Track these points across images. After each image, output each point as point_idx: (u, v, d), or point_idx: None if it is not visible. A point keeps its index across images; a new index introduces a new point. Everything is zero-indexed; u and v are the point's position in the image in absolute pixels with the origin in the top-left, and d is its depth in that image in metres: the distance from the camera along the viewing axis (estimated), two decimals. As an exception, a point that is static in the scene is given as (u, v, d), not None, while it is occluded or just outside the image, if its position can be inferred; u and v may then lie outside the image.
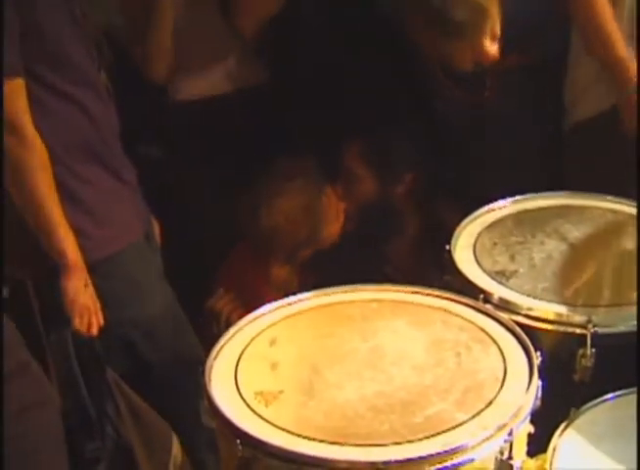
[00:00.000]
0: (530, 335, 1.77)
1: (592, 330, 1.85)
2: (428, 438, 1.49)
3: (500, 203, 2.37)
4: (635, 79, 2.45)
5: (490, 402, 1.58)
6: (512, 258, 2.14)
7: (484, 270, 2.08)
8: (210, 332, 2.72)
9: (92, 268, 2.23)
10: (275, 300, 1.94)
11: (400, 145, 2.93)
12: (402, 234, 3.00)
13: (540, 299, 1.96)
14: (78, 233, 2.19)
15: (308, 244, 2.81)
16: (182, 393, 2.42)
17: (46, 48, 2.14)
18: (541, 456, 1.69)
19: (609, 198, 2.36)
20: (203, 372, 1.68)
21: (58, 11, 2.16)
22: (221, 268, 2.93)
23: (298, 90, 2.97)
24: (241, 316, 2.60)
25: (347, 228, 2.92)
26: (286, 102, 2.98)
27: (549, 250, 2.16)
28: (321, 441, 1.50)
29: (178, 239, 2.81)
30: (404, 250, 3.01)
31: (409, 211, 3.03)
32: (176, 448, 2.31)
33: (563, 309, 1.92)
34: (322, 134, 2.93)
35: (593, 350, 1.85)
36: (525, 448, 1.63)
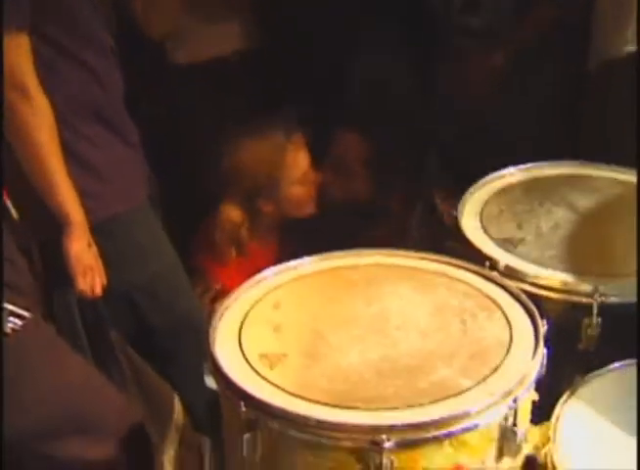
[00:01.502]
0: (536, 303, 1.76)
1: (598, 299, 1.84)
2: (433, 403, 1.49)
3: (509, 170, 2.36)
4: None
5: (495, 369, 1.57)
6: (519, 225, 2.13)
7: (491, 238, 2.07)
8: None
9: (96, 229, 2.22)
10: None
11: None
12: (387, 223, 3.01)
13: (547, 267, 1.95)
14: (83, 193, 2.18)
15: (266, 191, 2.80)
16: (184, 355, 2.43)
17: (54, 9, 2.12)
18: (545, 424, 1.69)
19: (618, 168, 2.35)
20: (206, 334, 1.67)
21: None
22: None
23: (298, 53, 2.97)
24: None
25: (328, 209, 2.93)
26: (286, 64, 2.98)
27: (557, 218, 2.15)
28: (325, 404, 1.49)
29: (176, 198, 2.81)
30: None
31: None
32: (178, 410, 2.32)
33: (569, 278, 1.91)
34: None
35: (599, 319, 1.84)
36: (529, 416, 1.63)
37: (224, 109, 2.95)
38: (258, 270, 1.89)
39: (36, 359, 1.84)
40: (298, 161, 2.84)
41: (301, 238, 2.79)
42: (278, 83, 3.01)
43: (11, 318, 1.74)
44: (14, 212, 2.26)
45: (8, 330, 1.73)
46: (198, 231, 2.87)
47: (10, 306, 1.75)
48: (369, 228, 2.92)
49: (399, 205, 3.01)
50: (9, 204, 2.25)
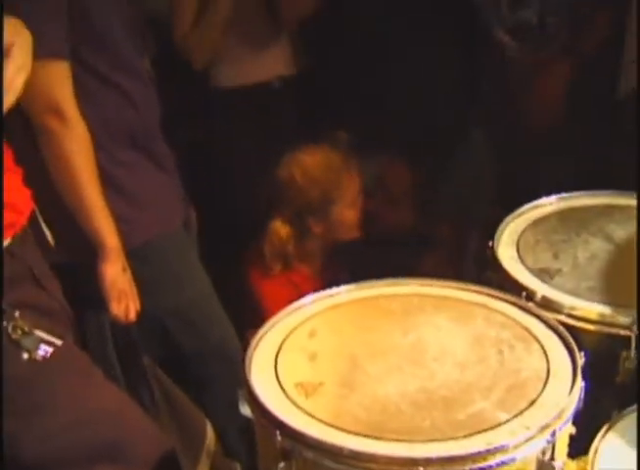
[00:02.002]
0: (573, 335, 1.73)
1: (636, 332, 1.81)
2: (469, 436, 1.47)
3: (545, 200, 2.34)
4: None
5: (533, 402, 1.55)
6: (555, 256, 2.10)
7: (527, 268, 2.05)
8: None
9: (130, 254, 2.23)
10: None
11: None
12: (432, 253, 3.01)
13: (584, 298, 1.93)
14: (118, 218, 2.20)
15: (318, 211, 2.80)
16: (217, 382, 2.43)
17: (93, 34, 2.15)
18: (582, 458, 1.67)
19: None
20: (242, 362, 1.66)
21: None
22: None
23: (338, 79, 2.99)
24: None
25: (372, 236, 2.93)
26: (330, 89, 3.00)
27: (594, 249, 2.13)
28: (361, 434, 1.48)
29: (214, 225, 2.82)
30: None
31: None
32: (210, 435, 2.31)
33: (606, 310, 1.88)
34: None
35: (637, 352, 1.82)
36: (566, 450, 1.61)
37: (272, 131, 2.98)
38: (302, 290, 1.89)
39: (67, 386, 1.83)
40: (353, 184, 2.84)
41: (348, 263, 2.80)
42: (325, 107, 3.03)
43: (42, 346, 1.73)
44: (49, 235, 2.27)
45: (39, 358, 1.73)
46: (249, 247, 2.88)
47: (41, 334, 1.74)
48: (419, 257, 2.92)
49: (451, 233, 3.01)
50: (44, 226, 2.26)
